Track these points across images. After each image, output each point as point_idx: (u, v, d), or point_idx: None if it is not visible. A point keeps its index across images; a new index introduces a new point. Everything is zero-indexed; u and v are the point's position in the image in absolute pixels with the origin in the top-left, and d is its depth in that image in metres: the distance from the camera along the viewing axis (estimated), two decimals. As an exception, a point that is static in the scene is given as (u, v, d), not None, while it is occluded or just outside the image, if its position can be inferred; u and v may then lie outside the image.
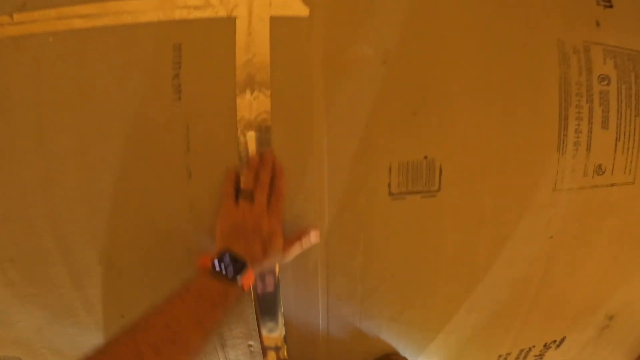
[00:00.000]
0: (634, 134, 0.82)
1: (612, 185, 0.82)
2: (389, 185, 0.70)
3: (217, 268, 0.45)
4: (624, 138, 0.81)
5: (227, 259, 0.47)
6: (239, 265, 0.46)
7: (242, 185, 0.57)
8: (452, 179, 0.72)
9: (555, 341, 1.06)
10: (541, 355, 1.09)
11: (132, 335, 0.36)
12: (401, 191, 0.71)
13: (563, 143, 0.77)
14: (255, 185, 0.55)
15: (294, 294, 0.76)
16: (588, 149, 0.79)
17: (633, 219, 0.89)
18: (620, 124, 0.80)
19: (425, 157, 0.70)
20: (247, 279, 0.47)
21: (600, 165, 0.81)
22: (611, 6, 0.80)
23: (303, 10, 0.64)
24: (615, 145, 0.81)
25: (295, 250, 0.58)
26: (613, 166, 0.81)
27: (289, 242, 0.57)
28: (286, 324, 0.79)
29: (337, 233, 0.71)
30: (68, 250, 0.70)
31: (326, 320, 0.82)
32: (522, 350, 1.04)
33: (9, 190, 0.68)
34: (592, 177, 0.80)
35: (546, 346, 1.06)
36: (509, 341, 1.00)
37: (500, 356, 1.04)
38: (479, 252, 0.80)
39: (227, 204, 0.55)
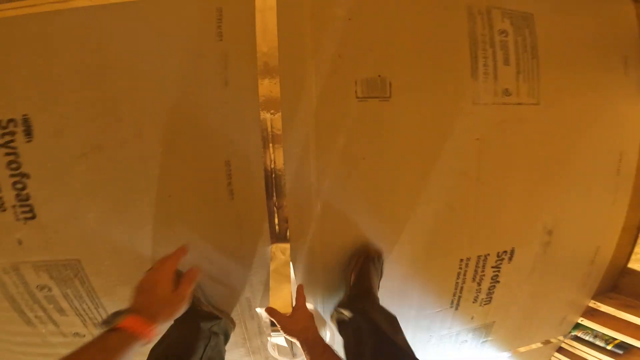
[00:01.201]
0: (532, 70, 1.18)
1: (519, 104, 1.17)
2: (356, 92, 1.05)
3: (102, 322, 0.67)
4: (524, 72, 1.17)
5: (113, 314, 0.62)
6: (117, 314, 0.60)
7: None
8: (399, 91, 1.07)
9: (506, 252, 1.31)
10: (497, 267, 1.32)
11: None
12: (364, 96, 1.05)
13: (475, 72, 1.12)
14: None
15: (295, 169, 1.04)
16: (495, 77, 1.14)
17: (543, 135, 1.21)
18: (519, 62, 1.17)
19: (379, 76, 1.06)
20: (128, 324, 0.58)
21: (507, 89, 1.16)
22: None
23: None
24: (517, 76, 1.16)
25: (179, 298, 0.72)
26: (518, 90, 1.16)
27: (177, 291, 0.72)
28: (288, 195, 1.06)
29: (323, 121, 1.03)
30: (142, 139, 0.98)
31: (317, 185, 1.10)
32: (479, 257, 1.29)
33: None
34: (501, 97, 1.15)
35: (499, 256, 1.31)
36: (466, 243, 1.25)
37: (461, 260, 1.28)
38: (425, 145, 1.11)
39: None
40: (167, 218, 1.01)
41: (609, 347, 1.60)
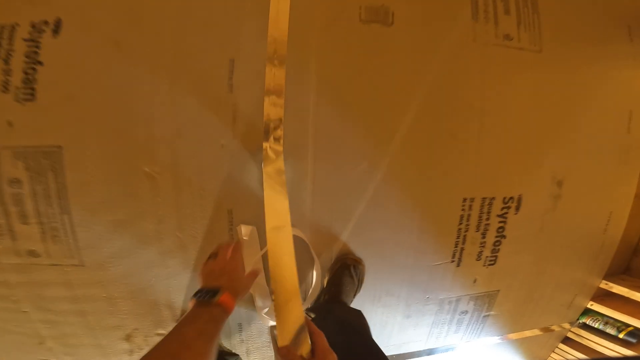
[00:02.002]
0: (533, 23, 1.14)
1: (521, 49, 1.12)
2: (360, 15, 1.00)
3: (198, 296, 0.66)
4: (525, 23, 1.13)
5: (203, 291, 0.68)
6: (212, 292, 0.67)
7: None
8: (401, 20, 1.01)
9: (512, 198, 1.19)
10: (503, 217, 1.20)
11: (158, 347, 0.51)
12: (367, 20, 1.00)
13: (476, 15, 1.08)
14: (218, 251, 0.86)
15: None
16: (495, 23, 1.10)
17: (548, 83, 1.15)
18: (519, 14, 1.13)
19: (383, 5, 1.02)
20: (225, 300, 0.66)
21: (508, 34, 1.11)
22: None
23: None
24: (518, 26, 1.12)
25: (252, 279, 0.84)
26: (519, 37, 1.12)
27: (248, 274, 0.84)
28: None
29: (330, 42, 0.98)
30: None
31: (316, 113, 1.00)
32: (484, 200, 1.16)
33: None
34: (503, 40, 1.10)
35: (505, 202, 1.18)
36: (470, 180, 1.13)
37: (465, 200, 1.15)
38: (424, 71, 1.03)
39: (205, 263, 0.85)
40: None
41: (620, 336, 1.44)
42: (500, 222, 1.17)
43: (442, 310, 1.27)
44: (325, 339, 0.66)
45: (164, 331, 1.15)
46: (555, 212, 1.23)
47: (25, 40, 0.87)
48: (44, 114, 0.89)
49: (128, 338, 1.16)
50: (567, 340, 1.61)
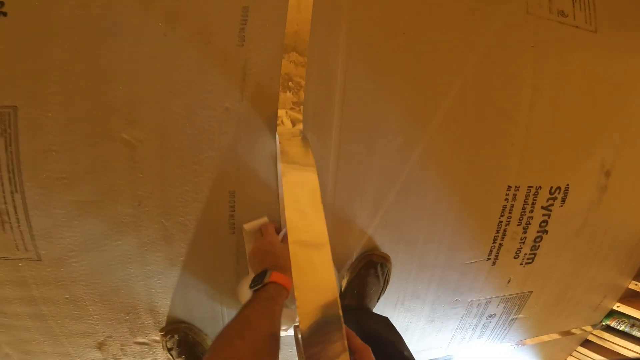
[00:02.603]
0: (589, 2, 0.96)
1: (577, 27, 0.94)
2: None
3: (252, 286, 0.64)
4: (579, 2, 0.96)
5: (254, 279, 0.66)
6: (262, 276, 0.64)
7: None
8: None
9: (559, 188, 1.02)
10: (548, 209, 1.03)
11: (222, 332, 0.52)
12: None
13: None
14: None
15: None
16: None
17: (602, 64, 0.98)
18: None
19: None
20: (275, 278, 0.63)
21: (562, 10, 0.93)
22: None
23: None
24: (573, 3, 0.95)
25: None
26: (574, 15, 0.94)
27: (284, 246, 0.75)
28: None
29: None
30: None
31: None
32: (530, 189, 0.99)
33: None
34: (557, 15, 0.92)
35: (552, 193, 1.02)
36: (516, 165, 0.96)
37: (509, 188, 0.98)
38: (473, 36, 0.85)
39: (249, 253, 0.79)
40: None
41: None
42: (544, 214, 1.02)
43: (470, 314, 1.11)
44: (356, 336, 0.57)
45: (145, 339, 0.93)
46: (600, 206, 1.08)
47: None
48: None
49: (100, 347, 0.94)
50: (586, 343, 1.50)
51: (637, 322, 1.37)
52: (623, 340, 1.41)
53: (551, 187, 1.00)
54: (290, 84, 0.76)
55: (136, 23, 0.66)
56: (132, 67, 0.68)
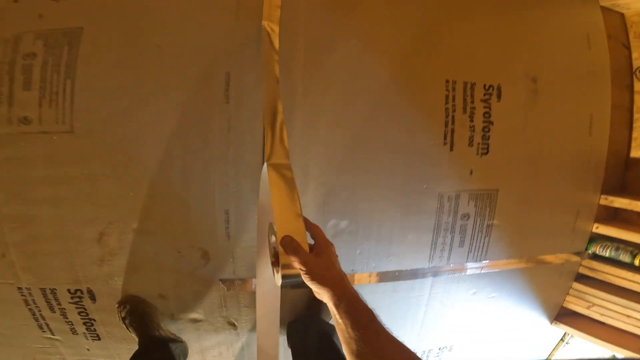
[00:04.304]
0: None
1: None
2: None
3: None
4: None
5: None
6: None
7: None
8: None
9: (492, 86, 1.22)
10: (487, 102, 1.22)
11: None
12: None
13: None
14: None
15: None
16: None
17: None
18: None
19: None
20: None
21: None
22: None
23: None
24: None
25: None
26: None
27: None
28: None
29: None
30: None
31: None
32: (466, 83, 1.20)
33: None
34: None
35: (486, 88, 1.21)
36: (448, 63, 1.18)
37: (447, 82, 1.18)
38: None
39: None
40: None
41: (636, 263, 1.36)
42: (485, 107, 1.21)
43: (443, 210, 1.21)
44: (322, 231, 0.62)
45: (138, 226, 1.05)
46: (537, 107, 1.27)
47: None
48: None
49: (100, 238, 1.06)
50: (581, 279, 1.49)
51: (621, 245, 1.40)
52: (615, 269, 1.42)
53: (484, 84, 1.22)
54: None
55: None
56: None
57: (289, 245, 0.56)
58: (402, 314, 1.35)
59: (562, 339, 1.72)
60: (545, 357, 1.77)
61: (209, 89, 1.01)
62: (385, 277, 1.25)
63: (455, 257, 1.28)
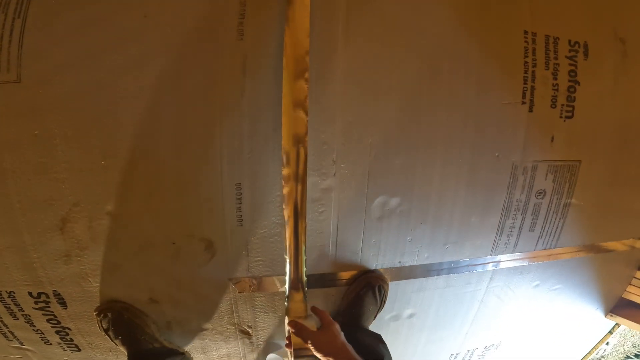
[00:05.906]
0: None
1: None
2: None
3: None
4: None
5: None
6: None
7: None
8: None
9: (578, 43, 0.97)
10: (573, 59, 0.97)
11: None
12: None
13: None
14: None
15: None
16: None
17: None
18: None
19: None
20: None
21: None
22: None
23: None
24: None
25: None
26: None
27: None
28: None
29: None
30: None
31: None
32: (548, 37, 0.94)
33: None
34: None
35: (571, 45, 0.97)
36: (527, 13, 0.92)
37: (526, 33, 0.93)
38: None
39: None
40: None
41: None
42: (570, 64, 0.96)
43: (516, 184, 0.95)
44: (327, 313, 0.79)
45: (115, 208, 0.77)
46: (626, 70, 1.03)
47: None
48: None
49: (63, 225, 0.76)
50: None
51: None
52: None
53: (569, 40, 0.96)
54: None
55: None
56: None
57: (296, 326, 0.75)
58: (452, 314, 1.12)
59: (610, 332, 1.54)
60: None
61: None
62: (438, 269, 1.02)
63: (522, 243, 1.04)
